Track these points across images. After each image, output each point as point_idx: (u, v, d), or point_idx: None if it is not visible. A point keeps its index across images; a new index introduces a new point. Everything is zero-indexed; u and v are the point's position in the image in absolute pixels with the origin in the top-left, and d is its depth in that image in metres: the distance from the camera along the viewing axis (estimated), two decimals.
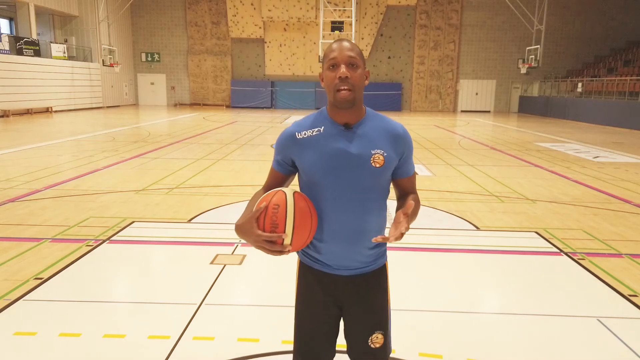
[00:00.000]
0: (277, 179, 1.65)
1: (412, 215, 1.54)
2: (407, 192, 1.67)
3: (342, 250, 1.57)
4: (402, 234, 1.40)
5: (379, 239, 1.40)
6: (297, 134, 1.57)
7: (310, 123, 1.59)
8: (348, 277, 1.61)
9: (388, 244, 1.69)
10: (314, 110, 30.20)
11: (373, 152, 1.52)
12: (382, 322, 1.65)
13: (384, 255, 1.68)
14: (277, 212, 1.44)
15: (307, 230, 1.49)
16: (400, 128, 1.59)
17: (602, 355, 2.68)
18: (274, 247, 1.45)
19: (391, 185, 1.67)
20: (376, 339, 1.64)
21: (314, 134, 1.55)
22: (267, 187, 1.66)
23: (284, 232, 1.43)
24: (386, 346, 1.67)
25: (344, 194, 1.53)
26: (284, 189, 1.54)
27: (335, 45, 1.52)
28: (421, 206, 5.84)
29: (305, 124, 1.59)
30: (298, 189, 1.59)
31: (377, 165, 1.52)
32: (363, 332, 1.64)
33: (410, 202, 1.50)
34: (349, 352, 1.71)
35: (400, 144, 1.58)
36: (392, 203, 1.64)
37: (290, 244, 1.46)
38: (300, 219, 1.45)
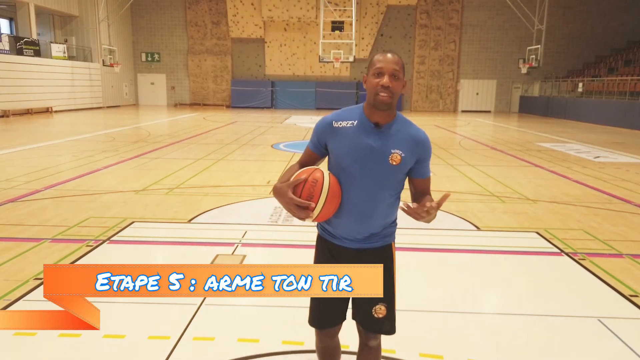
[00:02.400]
0: (311, 158, 1.89)
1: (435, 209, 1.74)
2: (421, 193, 1.89)
3: (351, 228, 1.82)
4: (422, 214, 1.63)
5: (403, 207, 1.65)
6: (334, 122, 1.81)
7: (347, 115, 1.81)
8: (355, 250, 1.86)
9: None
10: (314, 110, 29.95)
11: (393, 151, 1.75)
12: (385, 295, 1.81)
13: (390, 235, 1.91)
14: (315, 187, 1.71)
15: (333, 209, 1.77)
16: (422, 135, 1.82)
17: (602, 355, 2.68)
18: (301, 212, 1.70)
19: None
20: (379, 310, 1.87)
21: (347, 125, 1.79)
22: (301, 163, 1.89)
23: (316, 204, 1.70)
24: (390, 318, 1.89)
25: (362, 181, 1.77)
26: (322, 168, 1.78)
27: (381, 57, 1.74)
28: None
29: (343, 115, 1.82)
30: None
31: (394, 163, 1.75)
32: (368, 302, 1.86)
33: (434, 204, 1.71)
34: (354, 317, 1.96)
35: (419, 148, 1.81)
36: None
37: (317, 216, 1.73)
38: (331, 198, 1.73)
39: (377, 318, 1.87)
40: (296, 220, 5.01)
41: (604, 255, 4.21)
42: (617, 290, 3.47)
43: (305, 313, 2.60)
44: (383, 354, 2.61)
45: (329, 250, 1.91)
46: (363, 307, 1.88)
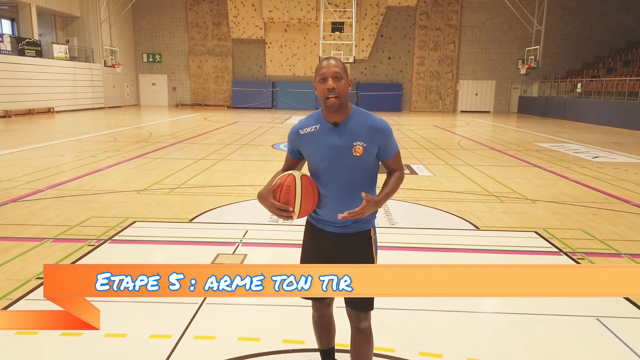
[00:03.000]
0: (291, 164, 2.13)
1: (383, 198, 1.97)
2: (392, 169, 2.09)
3: (332, 216, 2.01)
4: (354, 215, 1.84)
5: (341, 215, 1.86)
6: (300, 130, 2.04)
7: (310, 122, 2.03)
8: (336, 234, 2.06)
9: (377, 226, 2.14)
10: (314, 110, 30.61)
11: (354, 144, 1.94)
12: None
13: (369, 222, 2.09)
14: (289, 193, 1.93)
15: (310, 204, 1.99)
16: (378, 122, 1.99)
17: (602, 355, 2.69)
18: (283, 213, 1.93)
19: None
20: None
21: (312, 130, 2.00)
22: (284, 169, 2.12)
23: (293, 207, 1.93)
24: (369, 298, 2.07)
25: (334, 176, 1.97)
26: (294, 172, 2.00)
27: (324, 63, 1.94)
28: (421, 206, 5.80)
29: (307, 122, 2.04)
30: (306, 173, 2.06)
31: (357, 154, 1.94)
32: None
33: (389, 184, 2.02)
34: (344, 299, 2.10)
35: (378, 135, 1.97)
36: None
37: (298, 215, 1.96)
38: (305, 197, 1.95)
39: (357, 298, 2.01)
40: (297, 220, 5.03)
41: (602, 255, 4.23)
42: None
43: (306, 312, 2.61)
44: (383, 352, 2.64)
45: (314, 234, 2.12)
46: None
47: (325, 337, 2.33)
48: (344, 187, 1.97)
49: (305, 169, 2.11)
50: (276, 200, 1.93)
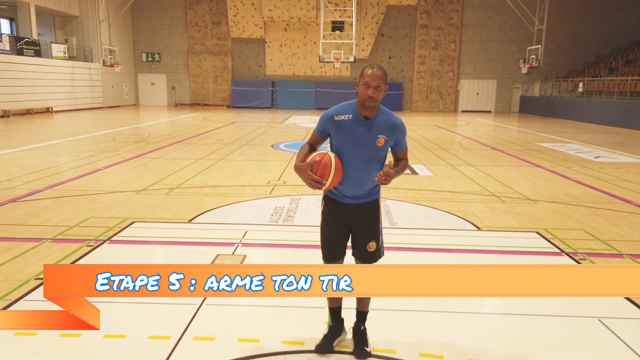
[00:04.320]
0: (317, 140, 2.53)
1: (396, 172, 2.41)
2: (401, 159, 2.56)
3: (351, 190, 2.47)
4: (385, 178, 2.28)
5: (378, 178, 2.32)
6: (335, 116, 2.42)
7: (344, 110, 2.42)
8: (353, 205, 2.50)
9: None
10: (315, 110, 30.11)
11: (379, 136, 2.39)
12: (375, 235, 2.55)
13: (377, 193, 2.57)
14: (326, 169, 2.35)
15: (338, 181, 2.42)
16: (398, 121, 2.45)
17: (603, 355, 2.68)
18: (316, 184, 2.35)
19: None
20: (371, 246, 2.54)
21: (345, 118, 2.40)
22: (311, 144, 2.53)
23: (327, 180, 2.35)
24: (378, 250, 2.58)
25: (357, 160, 2.40)
26: (329, 153, 2.42)
27: (369, 72, 2.32)
28: (422, 206, 5.82)
29: (341, 110, 2.43)
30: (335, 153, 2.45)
31: (380, 145, 2.40)
32: (363, 241, 2.54)
33: (399, 166, 2.52)
34: (354, 254, 2.60)
35: (397, 132, 2.44)
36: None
37: (327, 187, 2.40)
38: (337, 174, 2.38)
39: (370, 252, 2.54)
40: (296, 220, 5.02)
41: (604, 255, 4.21)
42: None
43: (306, 313, 2.60)
44: (383, 354, 2.63)
45: (335, 207, 2.52)
46: (360, 245, 2.55)
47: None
48: (363, 169, 2.40)
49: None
50: (313, 173, 2.33)
